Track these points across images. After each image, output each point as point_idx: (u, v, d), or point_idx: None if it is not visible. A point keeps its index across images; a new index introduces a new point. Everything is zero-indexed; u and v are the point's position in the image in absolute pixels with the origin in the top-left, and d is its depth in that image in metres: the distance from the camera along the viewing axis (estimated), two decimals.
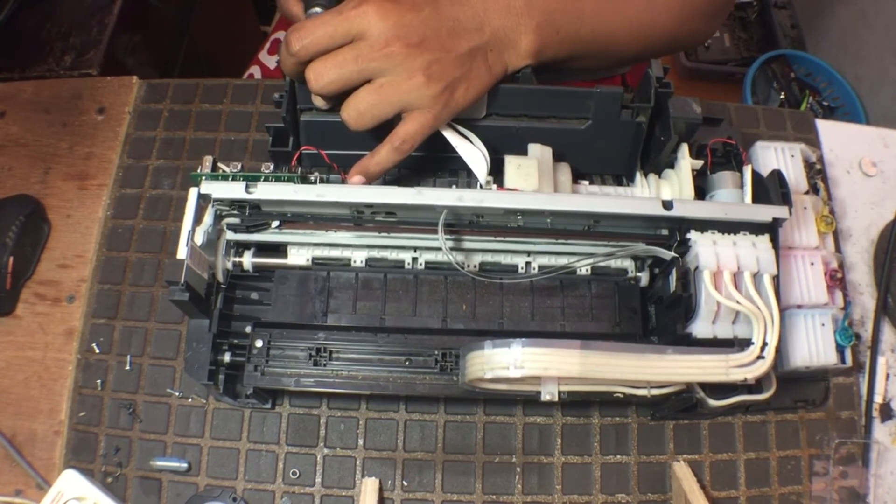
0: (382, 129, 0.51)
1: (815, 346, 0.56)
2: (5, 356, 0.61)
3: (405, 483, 0.58)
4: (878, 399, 0.61)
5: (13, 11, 0.81)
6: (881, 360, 0.62)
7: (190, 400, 0.59)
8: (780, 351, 0.56)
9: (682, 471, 0.57)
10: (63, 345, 0.61)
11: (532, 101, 0.55)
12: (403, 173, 0.59)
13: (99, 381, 0.60)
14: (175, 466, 0.57)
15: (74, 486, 0.55)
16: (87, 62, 0.79)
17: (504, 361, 0.44)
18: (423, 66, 0.48)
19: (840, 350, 0.56)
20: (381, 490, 0.57)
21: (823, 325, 0.56)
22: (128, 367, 0.60)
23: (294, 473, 0.57)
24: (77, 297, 0.63)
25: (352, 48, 0.48)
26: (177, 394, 0.59)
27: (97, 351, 0.61)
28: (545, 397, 0.47)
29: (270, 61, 0.95)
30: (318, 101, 0.52)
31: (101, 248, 0.64)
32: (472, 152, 0.53)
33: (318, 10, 0.52)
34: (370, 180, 0.52)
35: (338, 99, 0.51)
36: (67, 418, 0.59)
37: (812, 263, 0.57)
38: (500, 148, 0.54)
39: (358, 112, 0.49)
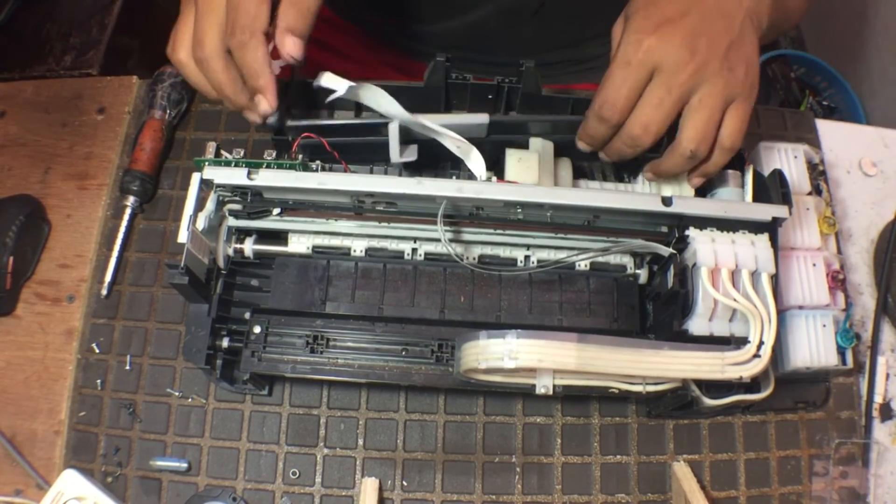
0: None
1: (815, 348, 0.56)
2: (5, 356, 0.61)
3: (405, 483, 0.58)
4: (878, 399, 0.61)
5: (13, 11, 0.82)
6: (881, 360, 0.62)
7: (190, 400, 0.59)
8: (781, 351, 0.56)
9: (682, 471, 0.57)
10: (63, 345, 0.61)
11: (535, 102, 0.56)
12: (405, 173, 0.59)
13: (99, 380, 0.60)
14: (175, 466, 0.57)
15: (74, 486, 0.55)
16: (87, 62, 0.79)
17: (499, 352, 0.44)
18: (724, 60, 0.48)
19: (841, 351, 0.56)
20: (380, 490, 0.57)
21: (825, 326, 0.56)
22: (128, 367, 0.60)
23: (294, 473, 0.57)
24: (77, 297, 0.63)
25: (658, 86, 0.47)
26: (177, 394, 0.59)
27: (97, 351, 0.61)
28: (540, 390, 0.47)
29: (274, 66, 0.93)
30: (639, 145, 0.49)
31: (101, 248, 0.64)
32: (475, 157, 0.53)
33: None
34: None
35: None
36: (67, 418, 0.59)
37: (814, 264, 0.57)
38: (502, 147, 0.54)
39: (703, 136, 0.48)
